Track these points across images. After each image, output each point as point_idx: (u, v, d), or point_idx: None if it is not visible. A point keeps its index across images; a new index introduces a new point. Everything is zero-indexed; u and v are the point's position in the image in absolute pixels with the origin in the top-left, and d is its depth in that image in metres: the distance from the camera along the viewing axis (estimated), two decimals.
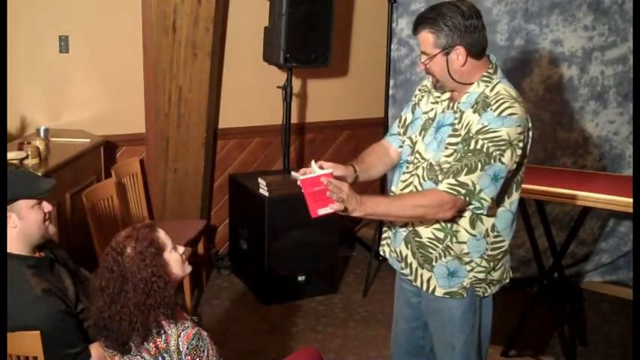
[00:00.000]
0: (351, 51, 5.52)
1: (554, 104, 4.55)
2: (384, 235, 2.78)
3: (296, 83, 5.06)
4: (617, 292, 4.75)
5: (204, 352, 2.16)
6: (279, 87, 4.73)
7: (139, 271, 2.13)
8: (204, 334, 2.21)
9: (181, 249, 2.32)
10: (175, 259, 2.25)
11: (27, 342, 2.30)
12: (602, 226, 4.75)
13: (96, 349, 2.39)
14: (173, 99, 4.56)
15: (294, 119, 5.07)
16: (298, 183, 2.34)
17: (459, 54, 2.39)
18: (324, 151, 5.55)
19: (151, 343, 2.15)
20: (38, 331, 2.28)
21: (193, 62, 4.52)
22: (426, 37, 2.42)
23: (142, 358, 2.16)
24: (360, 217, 2.48)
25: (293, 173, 4.66)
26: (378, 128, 5.06)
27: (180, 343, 2.14)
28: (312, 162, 2.40)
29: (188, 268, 2.33)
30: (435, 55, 2.42)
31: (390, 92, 4.95)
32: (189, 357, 2.14)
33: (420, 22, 2.43)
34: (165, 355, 2.14)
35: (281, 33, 4.46)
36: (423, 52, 2.47)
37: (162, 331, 2.15)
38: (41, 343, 2.29)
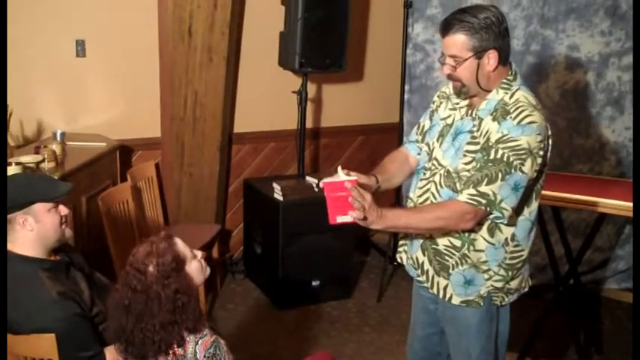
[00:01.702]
0: (367, 56, 5.52)
1: (570, 110, 4.52)
2: (400, 242, 2.77)
3: (311, 88, 5.06)
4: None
5: None
6: (294, 92, 4.74)
7: (163, 289, 2.11)
8: (222, 342, 2.20)
9: (199, 254, 2.30)
10: (196, 268, 2.24)
11: (42, 345, 2.31)
12: (618, 233, 4.72)
13: (110, 353, 2.40)
14: (189, 103, 4.58)
15: (308, 124, 5.07)
16: (320, 186, 2.30)
17: (491, 58, 2.36)
18: (338, 156, 5.55)
19: (170, 351, 2.14)
20: (53, 334, 2.29)
21: (209, 67, 4.53)
22: (459, 39, 2.34)
23: None
24: (379, 230, 2.45)
25: (308, 178, 4.65)
26: (393, 133, 5.05)
27: (197, 350, 2.14)
28: (339, 168, 2.36)
29: (207, 271, 2.32)
30: (467, 58, 2.36)
31: (405, 97, 4.95)
32: None
33: (453, 24, 2.35)
34: None
35: (296, 38, 4.47)
36: (451, 56, 2.39)
37: (182, 341, 2.15)
38: (56, 346, 2.30)
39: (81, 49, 4.41)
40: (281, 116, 5.07)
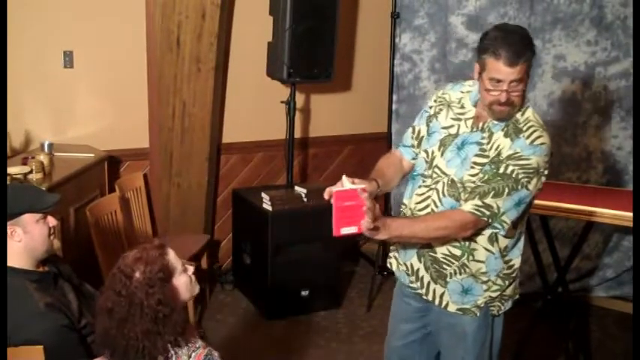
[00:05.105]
0: (355, 66, 5.53)
1: (557, 119, 4.55)
2: (391, 248, 2.76)
3: (299, 98, 5.07)
4: (622, 307, 4.73)
5: None
6: (282, 102, 4.74)
7: (146, 297, 2.07)
8: (216, 354, 2.19)
9: (191, 269, 2.26)
10: (184, 282, 2.21)
11: (30, 356, 2.29)
12: (605, 241, 4.74)
13: None
14: (177, 114, 4.57)
15: (297, 134, 5.08)
16: (325, 196, 2.23)
17: (529, 72, 2.35)
18: (327, 166, 5.56)
19: None
20: (41, 346, 2.27)
21: (197, 77, 4.53)
22: (527, 60, 2.29)
23: None
24: (383, 240, 2.43)
25: (296, 187, 4.66)
26: (381, 143, 5.07)
27: None
28: (344, 176, 2.28)
29: (196, 289, 2.28)
30: (526, 78, 2.33)
31: (394, 107, 4.97)
32: None
33: (523, 50, 2.28)
34: None
35: (284, 48, 4.47)
36: (518, 80, 2.30)
37: (170, 354, 2.11)
38: (44, 358, 2.28)
39: (69, 60, 4.40)
40: (269, 126, 5.06)
